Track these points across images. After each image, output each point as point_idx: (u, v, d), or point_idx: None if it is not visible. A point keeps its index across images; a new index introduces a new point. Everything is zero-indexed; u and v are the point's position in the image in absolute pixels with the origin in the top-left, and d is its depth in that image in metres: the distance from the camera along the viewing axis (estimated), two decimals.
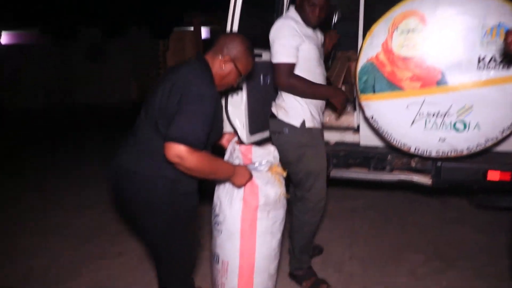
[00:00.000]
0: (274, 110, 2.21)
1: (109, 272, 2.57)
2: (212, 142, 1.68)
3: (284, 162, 2.06)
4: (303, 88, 2.07)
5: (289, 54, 2.03)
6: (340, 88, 2.96)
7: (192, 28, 13.15)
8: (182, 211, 1.58)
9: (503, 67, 1.95)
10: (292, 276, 2.35)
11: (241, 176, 1.69)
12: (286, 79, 2.03)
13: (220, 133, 1.73)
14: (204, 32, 14.12)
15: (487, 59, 1.97)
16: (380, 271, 2.47)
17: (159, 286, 1.76)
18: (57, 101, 12.37)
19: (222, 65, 1.61)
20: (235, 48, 1.61)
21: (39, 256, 2.81)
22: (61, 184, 4.48)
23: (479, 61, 1.99)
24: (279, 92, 2.21)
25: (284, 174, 1.91)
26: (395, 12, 2.09)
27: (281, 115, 2.14)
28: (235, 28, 2.36)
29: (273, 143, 2.15)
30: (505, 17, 1.91)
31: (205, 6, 11.57)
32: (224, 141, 1.98)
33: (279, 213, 1.87)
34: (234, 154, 1.88)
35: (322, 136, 2.29)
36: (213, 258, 1.94)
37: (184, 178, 1.53)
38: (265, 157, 1.90)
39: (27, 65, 12.39)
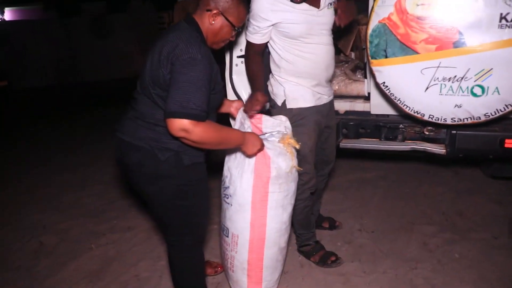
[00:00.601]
0: (268, 84, 2.13)
1: (118, 247, 2.57)
2: (215, 106, 1.60)
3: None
4: None
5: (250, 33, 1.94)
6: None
7: None
8: (190, 183, 1.54)
9: None
10: (300, 252, 2.31)
11: (251, 144, 1.61)
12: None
13: (222, 95, 1.64)
14: None
15: (510, 17, 1.83)
16: (390, 243, 2.42)
17: (168, 259, 1.73)
18: (64, 77, 12.31)
19: (211, 21, 1.48)
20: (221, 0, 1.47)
21: (48, 232, 2.82)
22: (69, 160, 4.47)
23: (500, 19, 1.85)
24: None
25: (298, 146, 1.82)
26: None
27: (270, 90, 2.09)
28: None
29: None
30: None
31: None
32: (232, 109, 1.90)
33: (291, 186, 1.82)
34: (245, 124, 1.81)
35: (319, 113, 2.07)
36: (222, 231, 1.90)
37: (188, 149, 1.47)
38: (276, 127, 1.83)
39: (32, 42, 12.27)
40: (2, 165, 4.49)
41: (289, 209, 1.85)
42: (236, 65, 2.25)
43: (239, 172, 1.72)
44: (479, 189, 3.07)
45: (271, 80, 2.08)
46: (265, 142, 1.71)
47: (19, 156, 4.79)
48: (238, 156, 1.74)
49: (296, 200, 1.96)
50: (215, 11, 1.47)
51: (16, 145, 5.37)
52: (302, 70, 1.95)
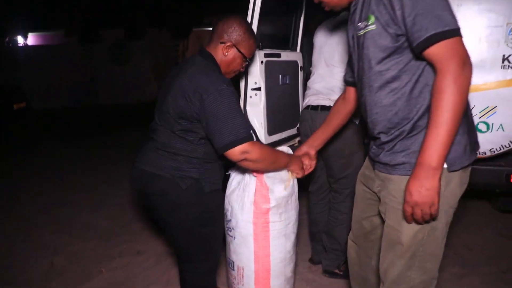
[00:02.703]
0: (327, 102, 2.20)
1: (128, 271, 2.60)
2: None
3: (339, 154, 2.10)
4: None
5: None
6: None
7: (211, 29, 13.24)
8: (209, 209, 1.59)
9: None
10: (331, 273, 2.37)
11: (295, 163, 1.72)
12: None
13: None
14: None
15: None
16: None
17: (181, 286, 1.76)
18: (83, 100, 12.68)
19: (224, 52, 1.58)
20: (234, 32, 1.58)
21: (60, 253, 2.87)
22: (83, 182, 4.59)
23: (503, 60, 1.94)
24: (332, 88, 2.23)
25: (299, 175, 1.84)
26: None
27: None
28: (255, 24, 2.34)
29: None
30: None
31: (225, 8, 11.64)
32: None
33: (292, 215, 1.83)
34: None
35: None
36: (228, 264, 1.92)
37: (208, 177, 1.54)
38: None
39: (53, 66, 12.77)
40: (19, 184, 4.62)
41: (292, 237, 1.86)
42: (250, 97, 2.34)
43: (239, 205, 1.75)
44: (487, 222, 3.07)
45: None
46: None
47: (35, 176, 4.92)
48: (237, 189, 1.78)
49: (348, 215, 2.00)
50: (228, 44, 1.57)
51: (33, 164, 5.53)
52: None
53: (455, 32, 1.06)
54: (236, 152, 1.42)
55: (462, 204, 3.36)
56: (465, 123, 1.19)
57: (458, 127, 1.08)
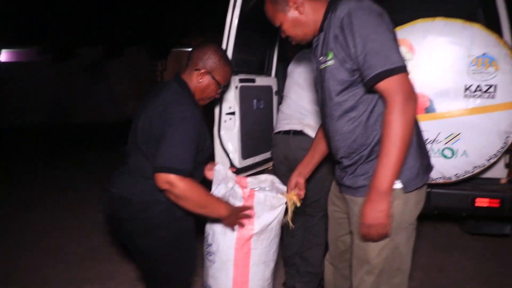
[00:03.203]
0: (298, 127, 2.25)
1: None
2: (202, 161, 1.67)
3: (310, 178, 2.07)
4: None
5: None
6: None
7: (190, 49, 13.34)
8: (180, 233, 1.58)
9: (488, 96, 2.00)
10: None
11: (232, 218, 1.60)
12: None
13: (209, 152, 1.71)
14: None
15: (473, 88, 2.02)
16: None
17: None
18: (57, 119, 12.41)
19: (199, 79, 1.59)
20: (209, 59, 1.59)
21: (33, 276, 2.77)
22: (57, 204, 4.44)
23: (465, 90, 2.04)
24: (304, 112, 2.28)
25: (299, 203, 1.78)
26: None
27: (312, 133, 2.17)
28: (230, 51, 2.39)
29: (300, 159, 2.09)
30: (490, 47, 1.97)
31: (205, 29, 11.80)
32: (206, 170, 1.86)
33: (274, 242, 1.79)
34: (228, 183, 1.76)
35: None
36: None
37: None
38: (262, 183, 1.85)
39: (27, 83, 12.49)
40: None
41: (272, 265, 1.83)
42: (225, 121, 2.38)
43: (222, 229, 1.71)
44: (457, 244, 3.15)
45: (316, 122, 2.19)
46: (257, 194, 1.70)
47: (7, 196, 4.74)
48: None
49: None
50: (202, 70, 1.59)
51: (2, 184, 5.34)
52: None
53: (401, 69, 1.17)
54: (160, 179, 1.39)
55: (432, 227, 3.45)
56: (418, 148, 1.33)
57: (405, 154, 1.20)
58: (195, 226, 1.66)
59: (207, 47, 1.62)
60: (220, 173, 1.80)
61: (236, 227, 1.65)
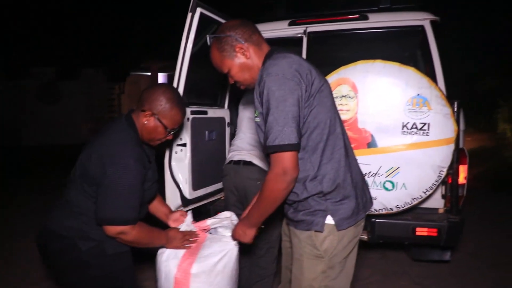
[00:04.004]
0: (248, 157, 2.31)
1: None
2: (147, 201, 1.67)
3: None
4: None
5: None
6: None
7: (149, 73, 13.27)
8: (112, 273, 1.53)
9: (423, 133, 2.15)
10: None
11: (173, 239, 1.68)
12: None
13: (155, 190, 1.71)
14: (162, 78, 14.26)
15: (410, 125, 2.17)
16: None
17: None
18: (4, 141, 11.73)
19: (144, 120, 1.55)
20: (156, 101, 1.54)
21: None
22: None
23: (403, 127, 2.19)
24: (254, 143, 2.35)
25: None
26: (330, 78, 2.27)
27: (261, 164, 2.25)
28: (182, 84, 2.42)
29: (250, 189, 2.24)
30: (423, 89, 2.14)
31: (165, 54, 11.81)
32: (171, 222, 1.85)
33: (222, 285, 1.69)
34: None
35: None
36: None
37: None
38: (223, 221, 1.81)
39: None
40: None
41: None
42: (176, 152, 2.38)
43: (165, 266, 1.67)
44: (403, 271, 3.27)
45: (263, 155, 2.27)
46: (210, 234, 1.72)
47: None
48: (167, 251, 1.70)
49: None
50: (148, 112, 1.54)
51: None
52: None
53: (291, 147, 1.29)
54: (111, 231, 1.45)
55: (381, 253, 3.53)
56: (352, 189, 1.43)
57: (270, 208, 1.40)
58: (132, 264, 1.62)
59: (156, 88, 1.59)
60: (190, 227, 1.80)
61: (176, 264, 1.64)
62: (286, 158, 1.29)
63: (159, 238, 1.64)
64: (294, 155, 1.30)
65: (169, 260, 1.67)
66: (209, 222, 1.83)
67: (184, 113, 1.63)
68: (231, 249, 1.70)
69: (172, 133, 1.64)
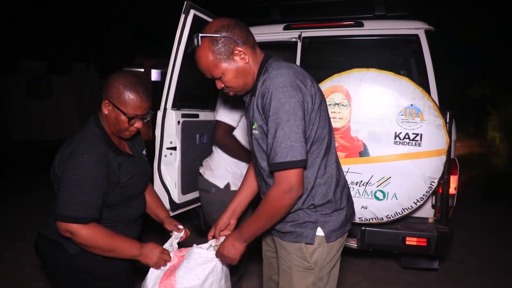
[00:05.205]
0: (201, 170, 2.32)
1: None
2: (127, 198, 1.54)
3: (209, 220, 2.15)
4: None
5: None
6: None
7: (142, 70, 13.17)
8: (103, 278, 1.49)
9: (415, 144, 2.15)
10: None
11: (149, 253, 1.49)
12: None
13: (134, 186, 1.55)
14: (155, 74, 14.17)
15: (402, 135, 2.16)
16: None
17: None
18: None
19: (105, 111, 1.45)
20: (111, 89, 1.41)
21: None
22: None
23: (395, 136, 2.18)
24: (211, 153, 2.32)
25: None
26: (324, 86, 2.25)
27: (207, 175, 2.26)
28: (173, 86, 2.37)
29: (200, 200, 2.26)
30: (416, 100, 2.13)
31: (158, 51, 11.72)
32: (167, 224, 1.76)
33: None
34: (173, 244, 1.66)
35: None
36: None
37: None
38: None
39: None
40: None
41: None
42: (165, 156, 2.34)
43: (149, 283, 1.54)
44: (392, 278, 3.27)
45: (215, 163, 2.30)
46: (189, 254, 1.55)
47: None
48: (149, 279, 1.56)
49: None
50: (105, 101, 1.43)
51: None
52: None
53: (298, 164, 1.23)
54: (61, 228, 1.34)
55: (371, 260, 3.54)
56: (345, 202, 1.44)
57: (271, 223, 1.35)
58: (126, 268, 1.57)
59: (112, 75, 1.46)
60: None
61: (158, 281, 1.53)
62: (294, 175, 1.24)
63: (127, 248, 1.44)
64: (302, 172, 1.26)
65: (152, 276, 1.54)
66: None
67: (143, 96, 1.43)
68: (212, 268, 1.53)
69: (137, 121, 1.47)
